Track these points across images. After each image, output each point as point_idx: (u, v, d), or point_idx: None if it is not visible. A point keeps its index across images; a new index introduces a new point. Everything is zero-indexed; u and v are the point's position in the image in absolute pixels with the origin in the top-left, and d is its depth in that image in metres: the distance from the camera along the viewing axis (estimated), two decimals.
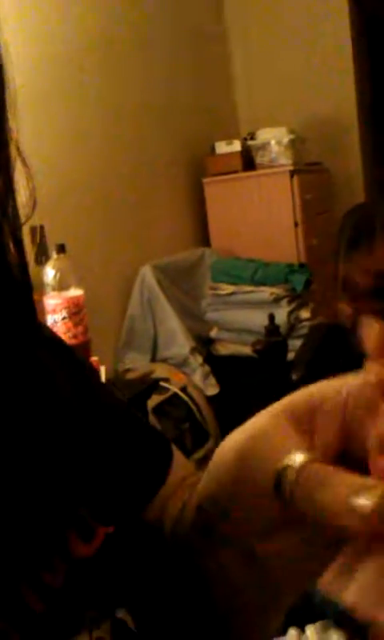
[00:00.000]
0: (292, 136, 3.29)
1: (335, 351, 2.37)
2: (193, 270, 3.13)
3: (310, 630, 0.70)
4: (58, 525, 0.36)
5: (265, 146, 3.31)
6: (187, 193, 3.40)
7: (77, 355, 0.49)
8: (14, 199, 0.38)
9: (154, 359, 2.83)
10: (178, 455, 0.49)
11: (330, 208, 3.58)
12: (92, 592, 0.36)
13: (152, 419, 2.38)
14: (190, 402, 2.64)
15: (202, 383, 2.75)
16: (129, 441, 0.47)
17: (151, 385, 2.17)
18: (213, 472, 0.30)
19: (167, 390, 2.58)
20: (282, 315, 2.78)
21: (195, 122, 3.49)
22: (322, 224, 3.45)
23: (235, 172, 3.33)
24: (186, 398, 2.63)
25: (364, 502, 0.24)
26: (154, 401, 2.39)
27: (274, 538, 0.30)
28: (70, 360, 0.47)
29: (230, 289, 3.01)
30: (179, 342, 2.79)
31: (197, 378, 2.75)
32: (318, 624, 0.71)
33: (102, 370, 1.73)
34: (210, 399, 2.73)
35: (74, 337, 1.66)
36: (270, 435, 0.28)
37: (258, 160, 3.33)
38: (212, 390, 2.76)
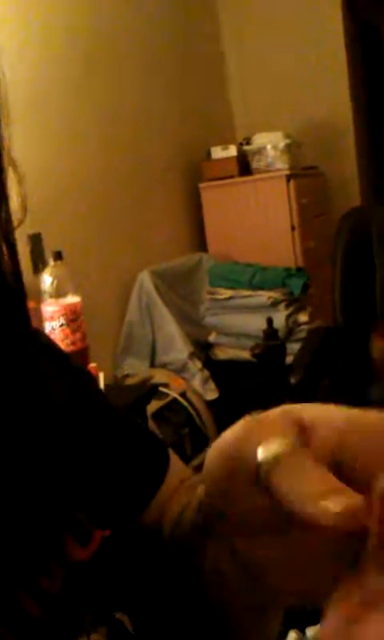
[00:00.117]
0: (288, 140, 3.30)
1: (334, 355, 2.38)
2: (190, 274, 3.13)
3: (311, 632, 0.70)
4: (54, 529, 0.36)
5: (261, 151, 3.32)
6: (184, 198, 3.41)
7: (73, 362, 0.49)
8: (7, 204, 0.38)
9: (152, 365, 2.83)
10: (174, 459, 0.49)
11: (327, 211, 3.59)
12: (90, 596, 0.36)
13: (151, 425, 2.38)
14: (189, 407, 2.64)
15: (201, 388, 2.75)
16: (125, 445, 0.47)
17: (150, 390, 2.17)
18: (207, 470, 0.30)
19: (166, 395, 2.58)
20: (280, 319, 2.78)
21: (191, 127, 3.50)
22: (319, 227, 3.46)
23: (231, 177, 3.34)
24: (185, 403, 2.63)
25: (332, 505, 0.24)
26: (153, 406, 2.39)
27: (267, 540, 0.30)
28: (66, 366, 0.47)
29: (227, 293, 3.01)
30: (178, 347, 2.79)
31: (196, 382, 2.75)
32: (319, 626, 0.71)
33: (101, 377, 1.73)
34: (210, 404, 2.73)
35: (72, 343, 1.66)
36: (258, 430, 0.28)
37: (254, 165, 3.34)
38: (211, 394, 2.76)
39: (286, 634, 0.70)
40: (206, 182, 3.39)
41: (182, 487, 0.46)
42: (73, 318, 1.67)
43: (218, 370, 2.87)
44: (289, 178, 3.24)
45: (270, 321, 2.58)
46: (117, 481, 0.44)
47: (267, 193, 3.28)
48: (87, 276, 2.45)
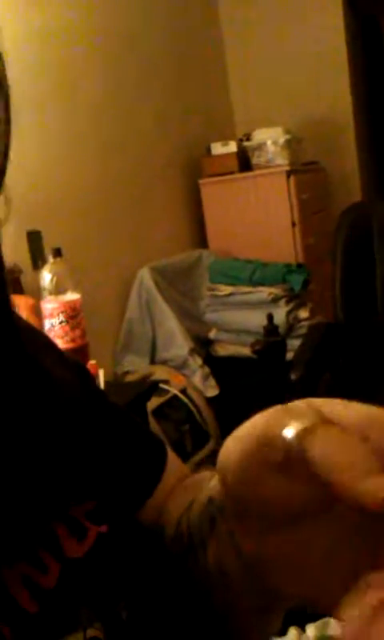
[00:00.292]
0: (288, 136, 3.29)
1: (334, 350, 2.37)
2: (191, 271, 3.13)
3: (311, 629, 0.70)
4: (49, 523, 0.36)
5: (261, 147, 3.31)
6: (184, 194, 3.40)
7: (70, 356, 0.49)
8: None
9: (153, 361, 2.83)
10: (172, 458, 0.49)
11: (327, 207, 3.59)
12: (86, 591, 0.36)
13: (152, 421, 2.38)
14: (189, 404, 2.64)
15: (202, 385, 2.75)
16: (122, 442, 0.47)
17: (150, 387, 2.17)
18: (229, 459, 0.30)
19: (167, 392, 2.58)
20: (280, 315, 2.78)
21: (191, 123, 3.50)
22: (319, 223, 3.45)
23: (231, 173, 3.33)
24: (185, 399, 2.63)
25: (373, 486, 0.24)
26: (153, 403, 2.39)
27: (278, 536, 0.30)
28: (64, 361, 0.47)
29: (228, 289, 3.01)
30: (178, 344, 2.79)
31: (196, 379, 2.75)
32: (318, 623, 0.71)
33: (101, 374, 1.73)
34: (210, 400, 2.73)
35: (72, 341, 1.66)
36: (288, 417, 0.28)
37: (255, 160, 3.33)
38: (212, 391, 2.76)
39: (285, 631, 0.70)
40: (206, 178, 3.38)
41: (181, 487, 0.46)
42: (72, 314, 1.66)
43: (218, 366, 2.87)
44: (289, 173, 3.23)
45: (270, 317, 2.58)
46: (113, 477, 0.43)
47: (267, 189, 3.27)
48: (87, 273, 2.45)
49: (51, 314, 1.66)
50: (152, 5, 3.21)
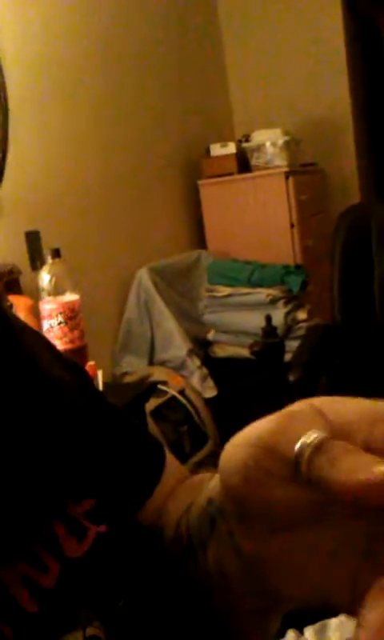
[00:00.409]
0: (287, 137, 3.29)
1: (332, 352, 2.38)
2: (189, 272, 3.13)
3: (309, 632, 0.69)
4: (49, 524, 0.36)
5: (260, 148, 3.31)
6: (183, 195, 3.40)
7: (67, 357, 0.49)
8: None
9: (151, 362, 2.83)
10: (171, 459, 0.49)
11: (325, 209, 3.59)
12: (85, 591, 0.36)
13: (150, 422, 2.38)
14: (188, 405, 2.64)
15: (200, 386, 2.75)
16: (120, 443, 0.47)
17: (149, 388, 2.17)
18: (232, 461, 0.30)
19: (165, 393, 2.58)
20: (278, 316, 2.78)
21: (190, 124, 3.50)
22: (318, 225, 3.45)
23: (230, 174, 3.33)
24: (184, 400, 2.63)
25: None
26: (152, 404, 2.38)
27: (275, 539, 0.30)
28: (62, 361, 0.47)
29: (226, 291, 3.01)
30: (176, 345, 2.79)
31: (195, 380, 2.75)
32: (317, 625, 0.71)
33: (100, 374, 1.73)
34: (208, 402, 2.73)
35: (71, 341, 1.66)
36: (294, 424, 0.28)
37: (253, 162, 3.33)
38: (210, 392, 2.76)
39: (283, 634, 0.69)
40: (204, 179, 3.38)
41: (180, 488, 0.46)
42: (71, 315, 1.66)
43: (216, 367, 2.87)
44: (288, 175, 3.24)
45: (268, 318, 2.58)
46: (112, 477, 0.43)
47: (266, 190, 3.27)
48: (86, 273, 2.45)
49: (50, 315, 1.66)
50: (152, 5, 3.21)
